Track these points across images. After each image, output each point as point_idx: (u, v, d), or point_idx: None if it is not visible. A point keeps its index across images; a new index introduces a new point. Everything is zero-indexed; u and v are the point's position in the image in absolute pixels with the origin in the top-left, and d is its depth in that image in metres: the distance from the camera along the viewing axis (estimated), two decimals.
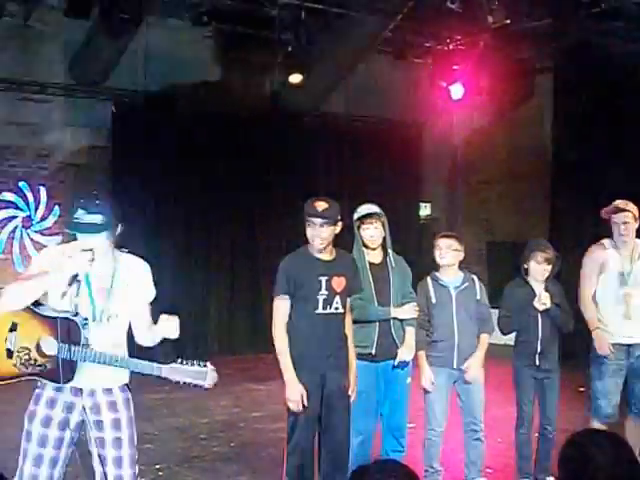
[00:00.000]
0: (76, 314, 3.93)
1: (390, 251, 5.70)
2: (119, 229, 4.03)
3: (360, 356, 5.29)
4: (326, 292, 4.86)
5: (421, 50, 12.81)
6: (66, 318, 3.91)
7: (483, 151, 14.45)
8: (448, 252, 5.73)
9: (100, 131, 11.74)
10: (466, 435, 5.83)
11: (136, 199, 11.61)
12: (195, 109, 11.89)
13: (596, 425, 5.96)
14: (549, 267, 5.85)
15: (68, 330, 3.89)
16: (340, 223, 4.95)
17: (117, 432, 4.06)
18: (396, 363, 5.58)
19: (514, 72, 12.57)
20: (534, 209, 13.47)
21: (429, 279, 5.80)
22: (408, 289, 5.73)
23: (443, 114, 14.03)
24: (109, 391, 4.07)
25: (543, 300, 5.74)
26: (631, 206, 5.98)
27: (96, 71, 11.51)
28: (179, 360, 3.97)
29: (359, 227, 5.59)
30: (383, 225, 5.64)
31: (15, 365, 3.94)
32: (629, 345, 6.00)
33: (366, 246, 5.59)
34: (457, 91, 12.97)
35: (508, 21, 9.87)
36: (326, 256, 4.93)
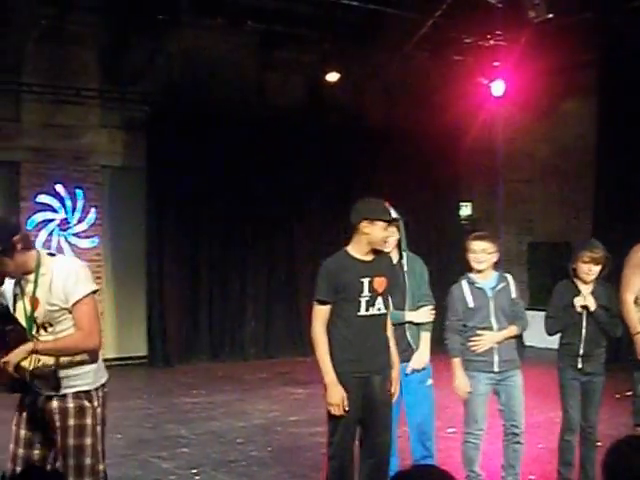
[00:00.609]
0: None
1: (405, 253, 5.67)
2: (18, 239, 3.99)
3: None
4: (369, 294, 4.86)
5: (461, 47, 12.68)
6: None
7: (524, 149, 14.34)
8: (483, 256, 5.67)
9: (135, 132, 11.88)
10: (506, 438, 5.78)
11: (172, 200, 11.75)
12: (231, 110, 11.96)
13: None
14: (596, 268, 5.76)
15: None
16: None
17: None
18: (408, 371, 5.56)
19: (557, 68, 12.44)
20: (577, 209, 13.34)
21: (464, 282, 5.73)
22: (424, 291, 5.70)
23: (483, 112, 13.90)
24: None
25: (582, 302, 5.68)
26: None
27: (131, 72, 11.64)
28: None
29: None
30: (398, 228, 5.62)
31: None
32: None
33: None
34: (498, 88, 12.89)
35: (550, 15, 9.77)
36: (367, 257, 4.93)
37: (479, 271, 5.65)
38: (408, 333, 5.55)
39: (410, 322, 5.55)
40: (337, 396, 4.76)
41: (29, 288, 4.05)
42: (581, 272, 5.77)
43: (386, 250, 5.41)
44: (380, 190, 12.32)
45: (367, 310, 4.86)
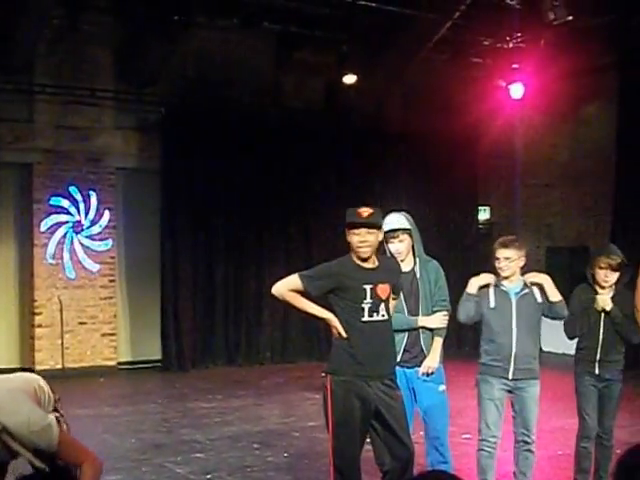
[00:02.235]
0: None
1: (418, 259, 5.78)
2: None
3: None
4: (371, 300, 5.00)
5: (479, 49, 12.74)
6: None
7: (544, 153, 14.37)
8: (506, 263, 5.76)
9: (150, 134, 12.00)
10: (517, 445, 5.84)
11: (186, 202, 11.85)
12: (246, 112, 12.05)
13: None
14: (613, 274, 5.83)
15: None
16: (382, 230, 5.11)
17: None
18: (420, 374, 5.67)
19: (576, 71, 12.47)
20: (596, 214, 13.36)
21: (491, 284, 5.85)
22: (440, 297, 5.78)
23: (502, 114, 13.97)
24: None
25: (601, 304, 5.77)
26: None
27: (145, 74, 11.75)
28: None
29: (386, 240, 5.69)
30: (410, 235, 5.75)
31: None
32: None
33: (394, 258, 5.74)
34: (517, 91, 12.94)
35: (570, 17, 9.84)
36: (369, 264, 5.05)
37: (505, 277, 5.77)
38: (422, 338, 5.67)
39: (424, 327, 5.66)
40: (330, 316, 4.96)
41: None
42: (598, 278, 5.85)
43: (399, 259, 5.57)
44: (397, 194, 12.56)
45: (370, 316, 5.01)
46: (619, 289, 5.94)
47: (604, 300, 5.76)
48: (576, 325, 5.93)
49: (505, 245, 5.77)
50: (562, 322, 6.00)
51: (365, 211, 4.97)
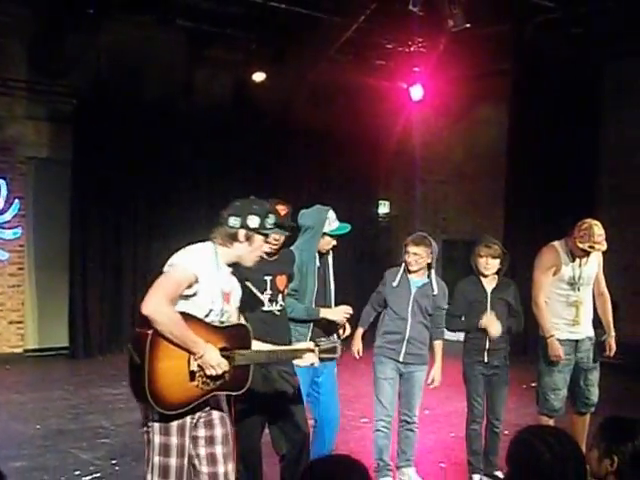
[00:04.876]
0: None
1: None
2: None
3: None
4: (271, 291, 4.89)
5: (383, 52, 12.77)
6: None
7: (441, 151, 14.51)
8: (415, 259, 5.76)
9: (62, 125, 11.56)
10: (399, 425, 5.92)
11: (96, 192, 11.51)
12: (157, 105, 11.74)
13: (544, 419, 6.03)
14: (493, 261, 5.88)
15: None
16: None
17: None
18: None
19: (472, 75, 12.63)
20: (489, 209, 13.56)
21: (401, 270, 5.84)
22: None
23: (403, 114, 14.06)
24: None
25: (485, 324, 5.80)
26: (601, 232, 5.90)
27: (59, 65, 11.28)
28: None
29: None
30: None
31: (197, 386, 3.82)
32: (576, 340, 6.07)
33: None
34: (417, 92, 13.06)
35: (468, 25, 9.89)
36: (270, 257, 4.92)
37: (412, 271, 5.80)
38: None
39: (325, 319, 5.51)
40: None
41: None
42: (480, 266, 5.91)
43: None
44: (301, 189, 12.51)
45: (270, 306, 4.90)
46: (502, 278, 5.98)
47: (492, 326, 5.76)
48: (458, 322, 5.98)
49: (416, 243, 5.80)
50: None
51: (283, 209, 4.85)
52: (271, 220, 4.04)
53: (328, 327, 5.49)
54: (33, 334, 11.59)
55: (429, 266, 5.83)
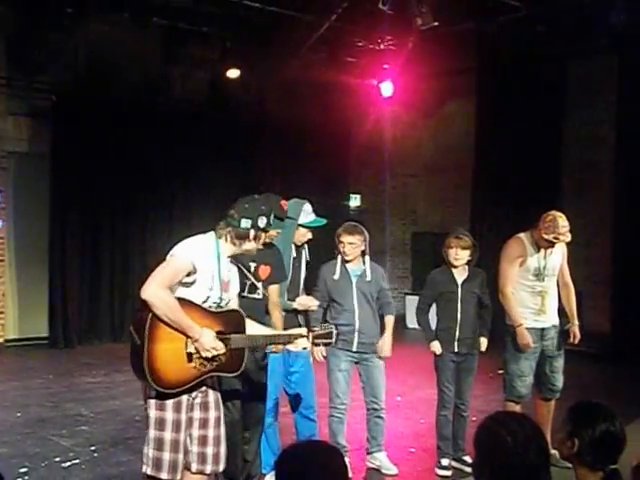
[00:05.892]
0: None
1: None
2: None
3: None
4: (253, 278, 4.89)
5: (354, 49, 12.77)
6: None
7: (410, 146, 14.56)
8: (350, 248, 5.74)
9: (41, 120, 11.43)
10: (368, 413, 5.93)
11: (74, 186, 11.42)
12: (134, 102, 11.68)
13: (511, 405, 6.05)
14: (463, 252, 5.88)
15: None
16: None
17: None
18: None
19: (440, 71, 12.69)
20: (456, 202, 13.63)
21: (338, 263, 5.83)
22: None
23: (373, 110, 14.09)
24: None
25: (436, 350, 5.90)
26: (565, 223, 5.91)
27: (38, 62, 11.19)
28: None
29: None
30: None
31: (194, 367, 3.95)
32: (542, 329, 6.11)
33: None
34: (387, 89, 13.07)
35: (436, 23, 9.92)
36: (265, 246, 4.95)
37: (348, 261, 5.80)
38: (299, 319, 5.58)
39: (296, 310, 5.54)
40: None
41: None
42: (450, 257, 5.93)
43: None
44: (273, 182, 12.49)
45: (250, 293, 4.91)
46: (472, 269, 6.00)
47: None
48: (427, 316, 5.99)
49: (350, 232, 5.80)
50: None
51: (285, 205, 4.98)
52: (273, 217, 4.26)
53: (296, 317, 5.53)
54: (13, 324, 11.48)
55: (363, 253, 5.83)
